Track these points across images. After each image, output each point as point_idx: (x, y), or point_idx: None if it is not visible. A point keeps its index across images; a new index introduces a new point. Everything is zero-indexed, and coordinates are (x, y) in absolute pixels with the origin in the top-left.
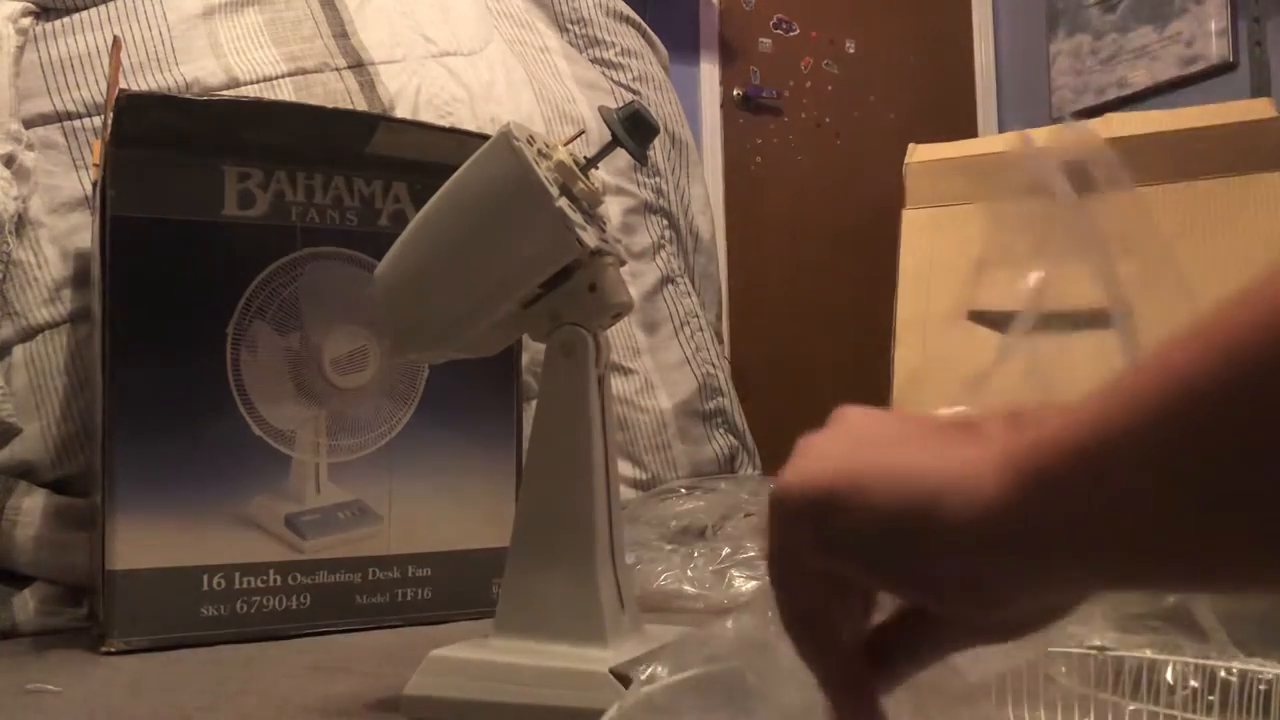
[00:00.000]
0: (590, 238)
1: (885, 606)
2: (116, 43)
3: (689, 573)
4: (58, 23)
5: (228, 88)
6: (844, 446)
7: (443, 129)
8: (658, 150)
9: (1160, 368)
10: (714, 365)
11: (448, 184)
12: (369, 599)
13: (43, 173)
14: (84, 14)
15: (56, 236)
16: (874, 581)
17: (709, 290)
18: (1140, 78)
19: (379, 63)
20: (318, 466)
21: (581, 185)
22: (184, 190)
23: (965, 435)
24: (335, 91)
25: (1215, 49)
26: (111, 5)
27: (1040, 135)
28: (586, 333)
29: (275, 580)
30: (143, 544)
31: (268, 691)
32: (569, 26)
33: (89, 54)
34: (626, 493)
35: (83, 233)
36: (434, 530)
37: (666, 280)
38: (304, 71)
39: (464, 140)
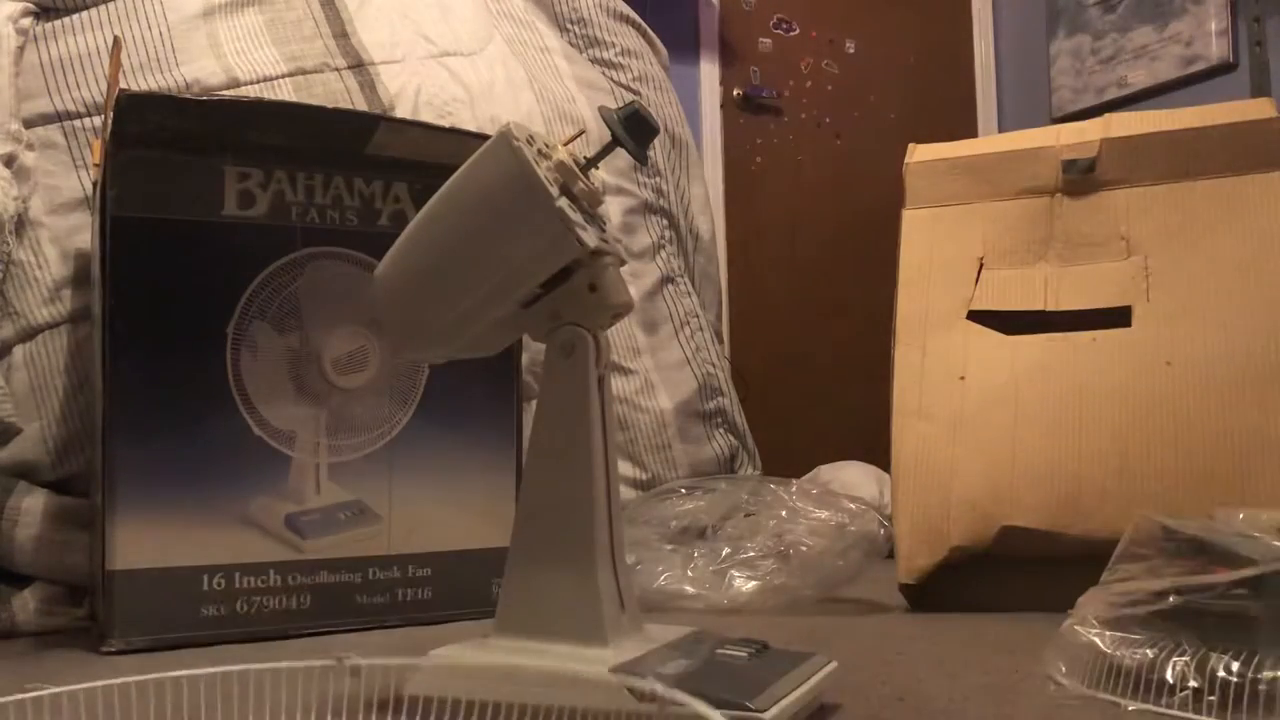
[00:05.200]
0: (590, 238)
1: None
2: (116, 43)
3: (689, 573)
4: (58, 23)
5: (228, 88)
6: None
7: (443, 129)
8: (658, 150)
9: None
10: (714, 365)
11: (448, 184)
12: (369, 599)
13: (43, 173)
14: (84, 14)
15: (56, 236)
16: None
17: (709, 290)
18: (1140, 78)
19: (379, 63)
20: (318, 466)
21: (581, 185)
22: (184, 190)
23: None
24: (335, 91)
25: (1215, 49)
26: (111, 5)
27: (1040, 135)
28: (586, 333)
29: (275, 580)
30: (143, 544)
31: (267, 691)
32: (569, 26)
33: (89, 54)
34: (626, 493)
35: (83, 233)
36: (434, 530)
37: (666, 280)
38: (304, 72)
39: (464, 140)
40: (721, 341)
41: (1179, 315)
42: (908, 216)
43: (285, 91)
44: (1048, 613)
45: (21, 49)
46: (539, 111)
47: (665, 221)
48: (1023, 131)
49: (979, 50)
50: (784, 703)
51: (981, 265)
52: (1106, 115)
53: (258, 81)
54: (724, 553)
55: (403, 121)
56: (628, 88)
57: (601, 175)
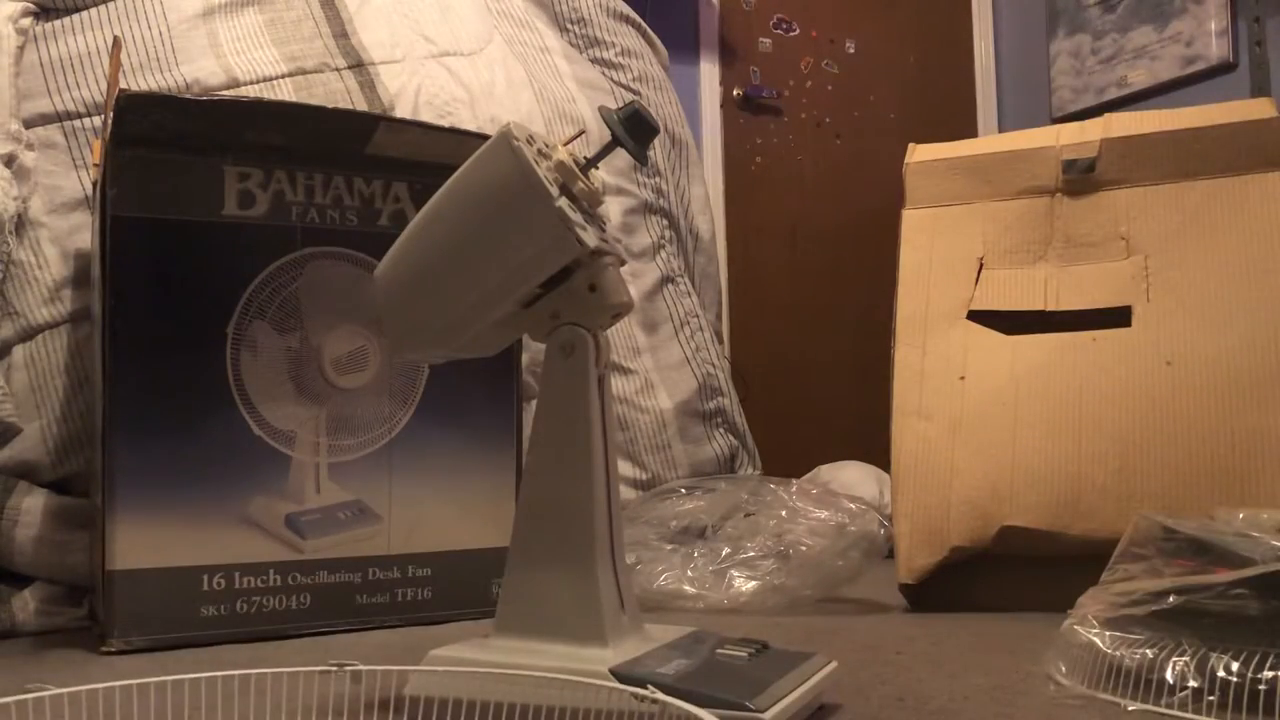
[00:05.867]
0: (590, 238)
1: None
2: (116, 43)
3: (689, 573)
4: (58, 23)
5: (228, 88)
6: None
7: (443, 129)
8: (658, 150)
9: None
10: (714, 365)
11: (448, 184)
12: (369, 599)
13: (43, 173)
14: (84, 14)
15: (56, 236)
16: None
17: (709, 290)
18: (1140, 78)
19: (379, 63)
20: (318, 466)
21: (581, 185)
22: (184, 190)
23: None
24: (335, 91)
25: (1215, 49)
26: (111, 5)
27: (1040, 135)
28: (586, 332)
29: (275, 580)
30: (143, 544)
31: (267, 691)
32: (569, 26)
33: (89, 54)
34: (626, 493)
35: (83, 233)
36: (434, 530)
37: (666, 280)
38: (304, 72)
39: (464, 140)
40: (721, 341)
41: (1179, 315)
42: (908, 216)
43: (285, 91)
44: (1048, 613)
45: (21, 49)
46: (539, 111)
47: (665, 221)
48: (1023, 131)
49: (979, 50)
50: (784, 703)
51: (981, 265)
52: (1106, 115)
53: (258, 81)
54: (724, 553)
55: (402, 121)
56: (628, 88)
57: (601, 175)
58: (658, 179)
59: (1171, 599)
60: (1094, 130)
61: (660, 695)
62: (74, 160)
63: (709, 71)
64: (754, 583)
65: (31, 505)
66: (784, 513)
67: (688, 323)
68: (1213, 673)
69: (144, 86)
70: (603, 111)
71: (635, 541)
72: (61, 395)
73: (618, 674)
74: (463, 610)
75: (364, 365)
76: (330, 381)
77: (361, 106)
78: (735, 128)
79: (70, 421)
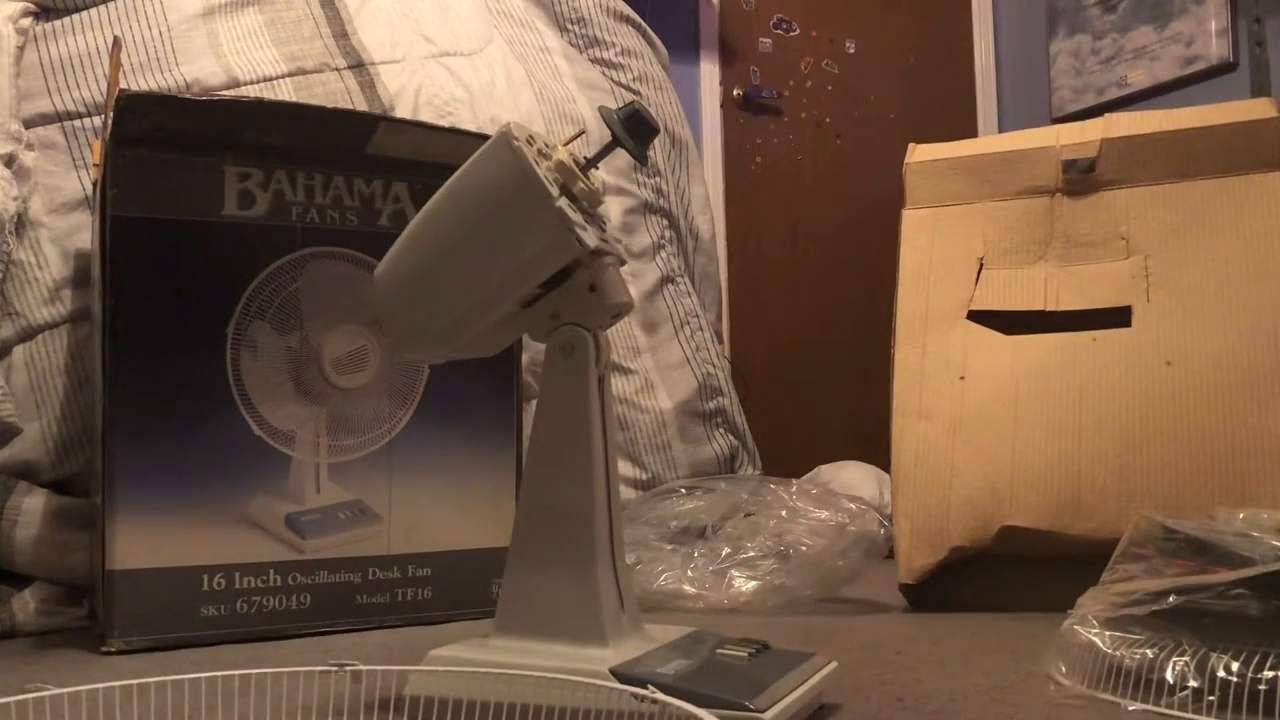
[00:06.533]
0: (590, 238)
1: None
2: (116, 43)
3: (689, 573)
4: (58, 23)
5: (228, 88)
6: None
7: (443, 129)
8: (658, 150)
9: None
10: (714, 365)
11: (448, 184)
12: (369, 599)
13: (43, 173)
14: (84, 14)
15: (56, 236)
16: None
17: (709, 290)
18: (1140, 78)
19: (379, 63)
20: (318, 466)
21: (581, 185)
22: (184, 190)
23: None
24: (335, 91)
25: (1215, 49)
26: (111, 5)
27: (1040, 135)
28: (586, 332)
29: (275, 580)
30: (143, 544)
31: (267, 691)
32: (569, 26)
33: (89, 54)
34: (626, 493)
35: (83, 233)
36: (434, 530)
37: (666, 280)
38: (304, 72)
39: (464, 140)
40: (721, 341)
41: (1179, 315)
42: (908, 216)
43: (285, 91)
44: (1048, 613)
45: (21, 49)
46: (539, 111)
47: (665, 221)
48: (1023, 131)
49: (979, 50)
50: (784, 703)
51: (981, 265)
52: (1106, 115)
53: (258, 81)
54: (724, 553)
55: (403, 121)
56: (628, 88)
57: (601, 175)
58: (658, 179)
59: (1171, 599)
60: (1094, 130)
61: (660, 695)
62: (74, 160)
63: (709, 71)
64: (754, 583)
65: (31, 505)
66: (784, 513)
67: (688, 323)
68: (1213, 673)
69: (144, 86)
70: (603, 111)
71: (635, 541)
72: (61, 395)
73: (618, 674)
74: (463, 610)
75: (364, 365)
76: (330, 381)
77: (361, 106)
78: (735, 128)
79: (70, 421)
